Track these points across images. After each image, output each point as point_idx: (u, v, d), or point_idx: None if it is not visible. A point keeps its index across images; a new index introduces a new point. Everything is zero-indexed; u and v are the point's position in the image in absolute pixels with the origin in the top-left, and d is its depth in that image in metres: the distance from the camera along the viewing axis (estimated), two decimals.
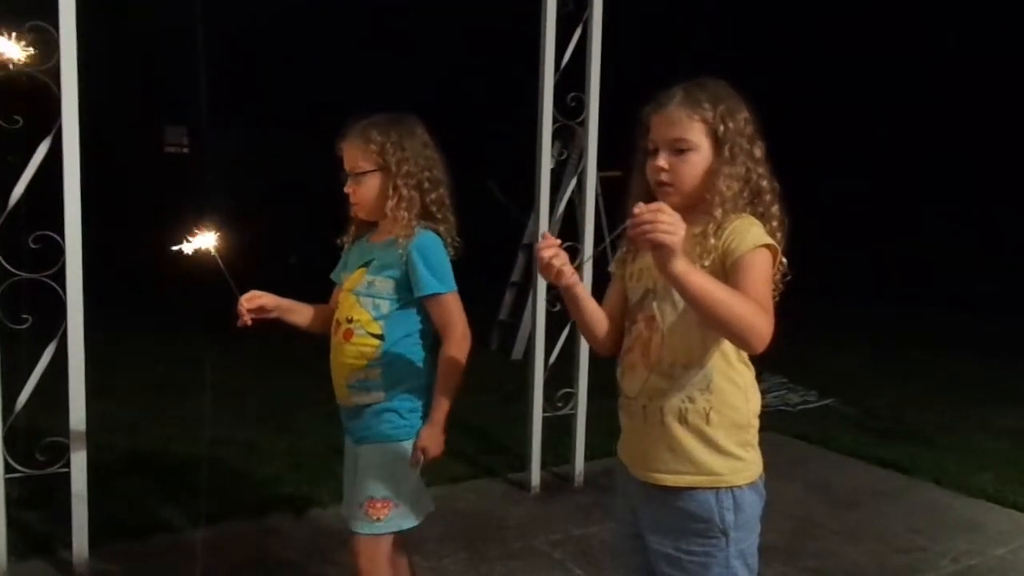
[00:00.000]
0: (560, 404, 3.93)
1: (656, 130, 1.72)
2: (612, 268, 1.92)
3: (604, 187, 5.60)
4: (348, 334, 2.12)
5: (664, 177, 1.70)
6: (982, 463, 4.32)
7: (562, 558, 3.22)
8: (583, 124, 3.79)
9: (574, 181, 4.07)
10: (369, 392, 2.12)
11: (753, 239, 1.62)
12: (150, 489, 3.72)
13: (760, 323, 1.52)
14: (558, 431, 4.01)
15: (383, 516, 2.10)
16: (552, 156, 3.80)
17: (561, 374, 3.97)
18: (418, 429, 2.12)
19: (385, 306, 2.10)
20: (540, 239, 1.69)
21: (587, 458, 3.99)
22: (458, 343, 2.11)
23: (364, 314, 2.11)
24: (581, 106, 3.75)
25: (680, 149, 1.69)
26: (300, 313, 2.25)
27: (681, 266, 1.46)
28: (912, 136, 11.58)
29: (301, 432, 4.46)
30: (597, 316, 1.84)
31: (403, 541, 2.27)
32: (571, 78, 3.73)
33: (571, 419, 3.96)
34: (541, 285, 3.78)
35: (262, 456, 4.18)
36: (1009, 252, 8.87)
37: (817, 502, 3.84)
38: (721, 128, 1.67)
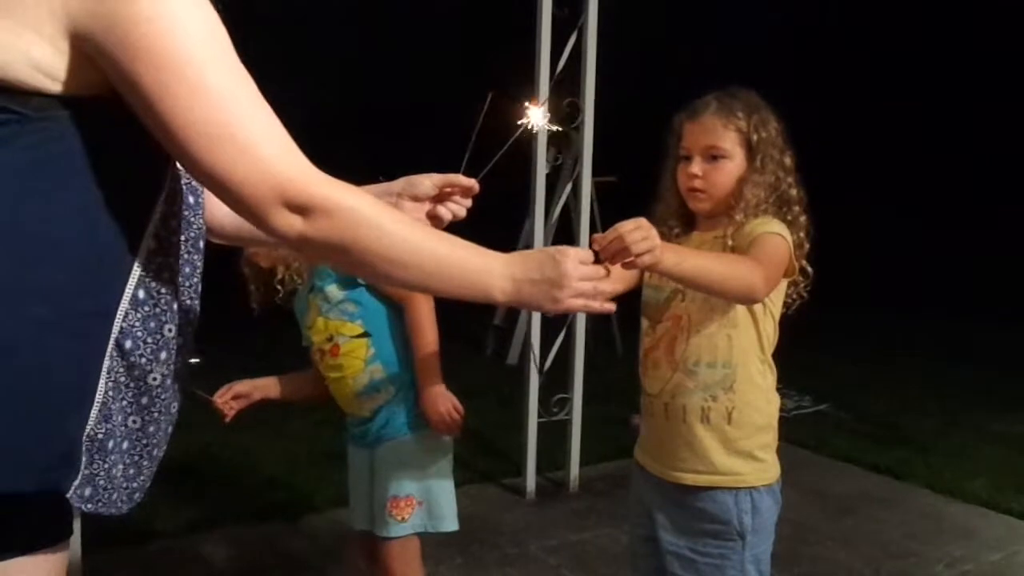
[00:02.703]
0: (556, 409, 3.93)
1: (690, 137, 1.75)
2: None
3: (599, 193, 5.62)
4: (335, 349, 2.10)
5: (697, 184, 1.72)
6: (976, 469, 4.31)
7: (557, 564, 3.22)
8: (578, 130, 3.80)
9: (569, 187, 4.07)
10: (379, 391, 2.10)
11: (773, 227, 1.66)
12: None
13: (752, 274, 1.55)
14: (553, 436, 4.01)
15: (407, 515, 2.07)
16: (547, 162, 3.81)
17: (556, 379, 3.96)
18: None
19: (350, 306, 2.08)
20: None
21: (582, 463, 3.99)
22: (420, 298, 2.05)
23: (339, 324, 2.09)
24: (576, 111, 3.75)
25: (714, 156, 1.72)
26: (283, 385, 2.23)
27: (671, 260, 1.47)
28: (910, 140, 11.62)
29: (296, 437, 4.44)
30: None
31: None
32: (566, 84, 3.74)
33: (566, 424, 3.95)
34: None
35: (257, 462, 4.16)
36: (1007, 259, 8.90)
37: (812, 508, 3.83)
38: (755, 137, 1.71)
